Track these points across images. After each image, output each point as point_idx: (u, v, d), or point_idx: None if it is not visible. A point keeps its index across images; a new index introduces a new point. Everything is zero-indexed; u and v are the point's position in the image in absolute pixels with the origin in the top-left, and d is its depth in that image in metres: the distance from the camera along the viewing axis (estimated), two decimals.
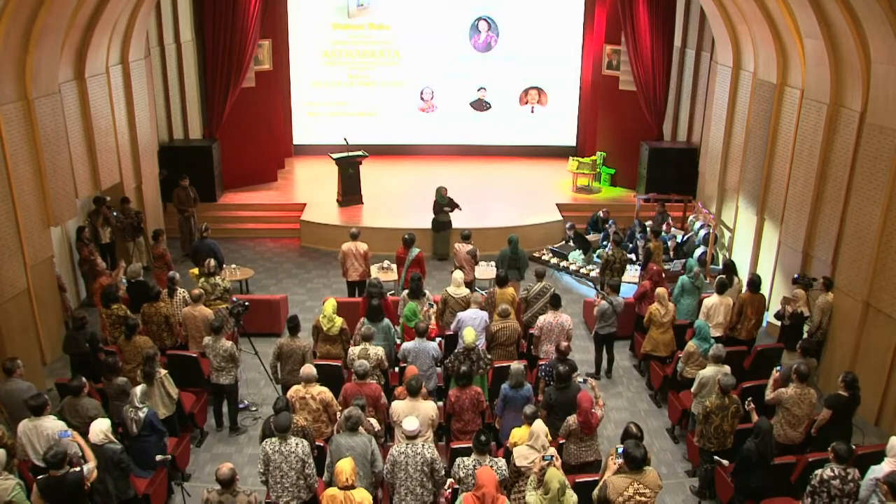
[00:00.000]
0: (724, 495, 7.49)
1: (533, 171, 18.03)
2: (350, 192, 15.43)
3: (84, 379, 7.47)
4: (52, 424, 6.85)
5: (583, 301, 12.26)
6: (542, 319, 9.22)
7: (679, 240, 13.74)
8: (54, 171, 10.33)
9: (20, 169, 9.50)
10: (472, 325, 8.65)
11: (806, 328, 9.80)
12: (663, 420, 9.47)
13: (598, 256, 13.62)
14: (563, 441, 7.27)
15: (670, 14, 15.59)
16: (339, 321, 8.97)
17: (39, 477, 6.20)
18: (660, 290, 9.67)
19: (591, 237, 14.39)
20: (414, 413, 6.91)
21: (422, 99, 18.78)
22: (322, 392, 7.48)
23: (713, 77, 14.08)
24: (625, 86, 16.61)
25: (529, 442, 6.55)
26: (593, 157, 16.99)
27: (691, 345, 8.79)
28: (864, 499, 6.34)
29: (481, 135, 18.96)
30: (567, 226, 14.36)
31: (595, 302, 10.68)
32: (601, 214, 14.51)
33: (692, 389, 8.24)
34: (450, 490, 6.49)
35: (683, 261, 12.82)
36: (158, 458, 7.27)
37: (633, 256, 13.36)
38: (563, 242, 14.42)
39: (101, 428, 6.68)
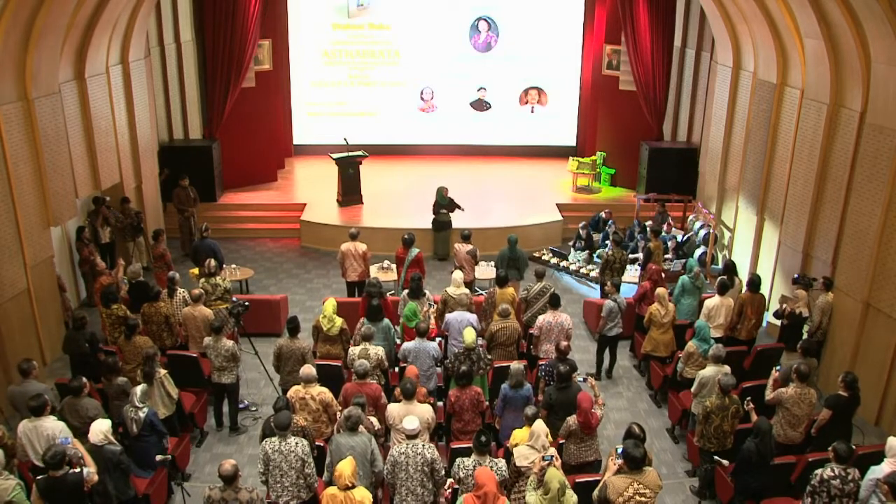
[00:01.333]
0: (724, 495, 7.49)
1: (533, 171, 18.02)
2: (350, 192, 15.43)
3: (84, 379, 7.45)
4: (52, 425, 6.84)
5: (583, 301, 12.27)
6: (541, 319, 9.21)
7: (679, 240, 13.73)
8: (54, 171, 10.33)
9: (20, 169, 9.51)
10: (459, 328, 8.67)
11: (806, 328, 9.80)
12: (663, 420, 9.47)
13: (597, 256, 13.62)
14: (563, 441, 7.27)
15: (670, 14, 15.58)
16: (339, 321, 8.97)
17: (39, 477, 6.19)
18: (660, 291, 9.67)
19: (592, 237, 14.37)
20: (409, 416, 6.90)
21: (422, 99, 18.78)
22: (322, 392, 7.48)
23: (713, 77, 14.07)
24: (625, 86, 16.61)
25: (530, 442, 6.55)
26: (593, 157, 16.99)
27: (691, 345, 8.79)
28: (864, 499, 6.35)
29: (481, 135, 18.95)
30: (581, 225, 14.35)
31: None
32: (602, 215, 14.51)
33: (692, 389, 8.24)
34: (450, 490, 6.49)
35: (683, 261, 12.82)
36: (158, 458, 7.27)
37: (638, 256, 13.32)
38: (574, 240, 14.37)
39: (101, 428, 6.68)
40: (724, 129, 13.35)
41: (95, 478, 6.42)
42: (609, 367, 10.38)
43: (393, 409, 7.19)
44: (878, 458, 6.65)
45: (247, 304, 9.52)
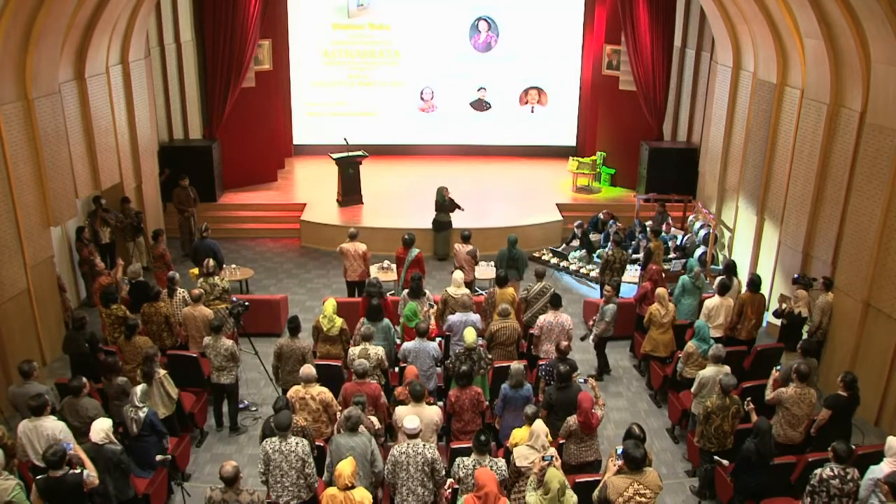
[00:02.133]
0: (724, 495, 7.49)
1: (533, 171, 18.02)
2: (350, 192, 15.43)
3: (84, 379, 7.45)
4: (52, 425, 6.83)
5: (583, 301, 12.26)
6: (542, 319, 9.21)
7: (679, 240, 13.73)
8: (54, 171, 10.33)
9: (20, 169, 9.51)
10: (463, 329, 8.66)
11: (806, 328, 9.80)
12: (663, 420, 9.47)
13: (598, 256, 13.62)
14: (563, 441, 7.27)
15: (670, 14, 15.58)
16: (339, 321, 8.97)
17: (38, 477, 6.19)
18: (660, 291, 9.67)
19: (592, 237, 14.38)
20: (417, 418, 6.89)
21: (422, 99, 18.78)
22: (322, 392, 7.48)
23: (713, 77, 14.07)
24: (625, 86, 16.61)
25: (529, 442, 6.55)
26: (593, 157, 16.99)
27: (690, 345, 8.79)
28: (864, 499, 6.35)
29: (481, 135, 18.95)
30: (576, 224, 14.35)
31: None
32: (602, 217, 14.50)
33: (692, 389, 8.24)
34: (450, 490, 6.49)
35: (684, 261, 12.82)
36: (158, 458, 7.27)
37: (638, 256, 13.31)
38: (570, 238, 14.35)
39: (101, 427, 6.67)
40: (724, 129, 13.35)
41: (96, 481, 6.42)
42: (605, 368, 10.40)
43: (402, 412, 7.17)
44: (877, 457, 6.65)
45: (247, 304, 9.53)
